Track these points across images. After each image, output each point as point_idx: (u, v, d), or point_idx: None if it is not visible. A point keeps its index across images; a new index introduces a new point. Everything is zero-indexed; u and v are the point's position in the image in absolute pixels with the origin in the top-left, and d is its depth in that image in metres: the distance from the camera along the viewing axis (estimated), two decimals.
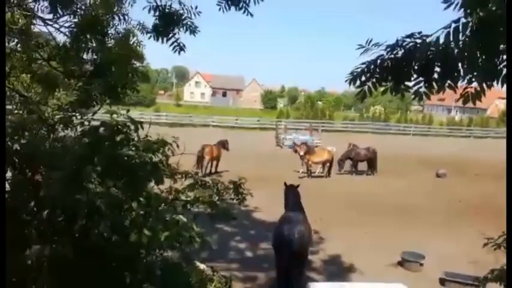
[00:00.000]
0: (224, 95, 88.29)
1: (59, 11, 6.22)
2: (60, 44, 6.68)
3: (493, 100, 73.44)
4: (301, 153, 20.78)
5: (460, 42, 3.03)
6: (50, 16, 6.48)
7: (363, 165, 22.44)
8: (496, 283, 4.46)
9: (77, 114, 4.44)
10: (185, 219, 4.17)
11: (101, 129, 3.61)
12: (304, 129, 35.20)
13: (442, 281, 9.33)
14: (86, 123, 3.84)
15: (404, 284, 7.56)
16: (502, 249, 4.52)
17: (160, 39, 6.45)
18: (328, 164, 21.09)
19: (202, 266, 6.30)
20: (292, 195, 8.73)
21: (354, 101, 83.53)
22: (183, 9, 6.28)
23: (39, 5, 6.48)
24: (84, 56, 6.70)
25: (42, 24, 6.63)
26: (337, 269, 10.15)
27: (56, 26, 6.61)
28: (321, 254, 11.01)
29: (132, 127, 3.72)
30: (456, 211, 15.61)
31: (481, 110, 69.45)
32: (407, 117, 53.83)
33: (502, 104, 70.75)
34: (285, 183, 9.13)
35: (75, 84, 6.53)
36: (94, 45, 6.56)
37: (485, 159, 27.84)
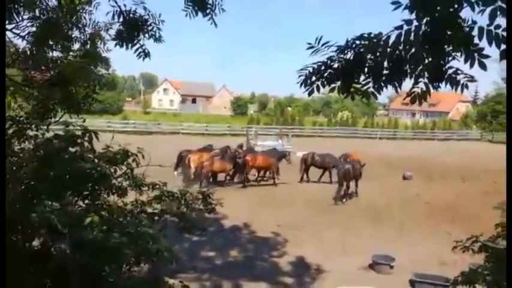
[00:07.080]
0: (194, 101, 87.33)
1: (15, 16, 5.90)
2: (20, 51, 6.34)
3: (455, 104, 76.44)
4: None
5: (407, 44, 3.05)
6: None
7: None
8: (466, 286, 4.50)
9: (33, 126, 4.18)
10: (152, 232, 4.00)
11: (55, 142, 3.40)
12: (274, 135, 35.31)
13: (412, 283, 9.44)
14: (41, 135, 3.61)
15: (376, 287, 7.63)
16: (470, 252, 4.59)
17: (125, 46, 6.24)
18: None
19: (172, 281, 6.05)
20: (350, 162, 19.22)
21: (322, 106, 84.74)
22: (148, 14, 6.12)
23: None
24: (46, 63, 6.38)
25: None
26: (308, 273, 10.16)
27: (16, 31, 6.26)
28: (289, 257, 11.02)
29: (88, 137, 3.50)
30: (424, 213, 15.97)
31: (444, 114, 72.02)
32: (374, 122, 54.97)
33: (462, 108, 73.66)
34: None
35: (33, 94, 6.19)
36: (56, 51, 6.26)
37: (450, 161, 28.76)
